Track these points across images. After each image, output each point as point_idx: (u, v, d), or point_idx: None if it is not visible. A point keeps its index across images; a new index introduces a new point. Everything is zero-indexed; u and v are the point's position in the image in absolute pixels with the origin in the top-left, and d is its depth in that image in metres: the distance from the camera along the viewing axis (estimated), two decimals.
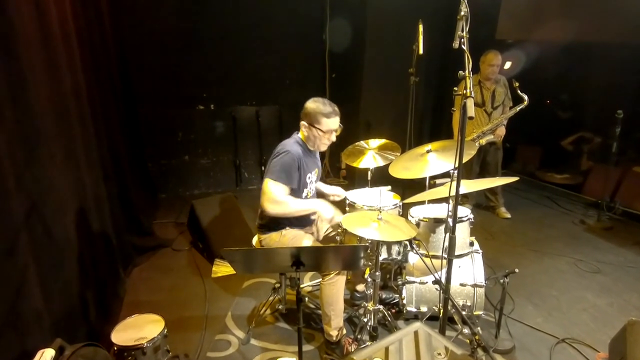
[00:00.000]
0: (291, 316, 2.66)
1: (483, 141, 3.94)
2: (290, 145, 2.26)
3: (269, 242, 2.38)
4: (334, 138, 2.31)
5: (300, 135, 2.34)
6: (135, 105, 4.42)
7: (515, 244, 3.77)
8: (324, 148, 2.37)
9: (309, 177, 2.35)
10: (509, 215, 4.37)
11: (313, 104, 2.23)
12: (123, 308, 2.76)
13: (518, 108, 3.66)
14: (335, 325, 2.29)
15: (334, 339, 2.30)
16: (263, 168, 5.22)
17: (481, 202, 4.57)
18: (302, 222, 2.39)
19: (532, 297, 2.92)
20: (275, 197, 2.15)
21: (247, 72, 4.96)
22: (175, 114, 4.87)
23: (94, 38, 3.01)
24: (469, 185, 2.30)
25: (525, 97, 3.47)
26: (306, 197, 2.38)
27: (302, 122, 2.27)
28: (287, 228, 2.37)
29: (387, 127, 4.40)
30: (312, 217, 2.37)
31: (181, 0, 4.53)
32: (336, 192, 2.59)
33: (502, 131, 3.96)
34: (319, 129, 2.23)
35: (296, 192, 2.30)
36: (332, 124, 2.24)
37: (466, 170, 4.04)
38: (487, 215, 4.43)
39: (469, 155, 2.29)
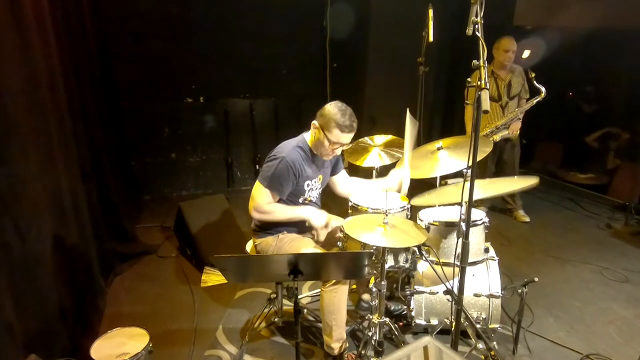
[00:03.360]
0: (288, 330, 2.66)
1: (497, 137, 3.94)
2: (289, 149, 2.25)
3: (265, 246, 2.38)
4: (339, 152, 2.33)
5: (308, 135, 2.33)
6: (118, 98, 4.41)
7: (535, 251, 3.77)
8: (327, 158, 2.36)
9: (308, 185, 2.35)
10: (527, 219, 4.37)
11: (333, 109, 2.20)
12: (103, 321, 2.75)
13: (535, 101, 3.66)
14: (337, 336, 2.28)
15: (335, 352, 2.30)
16: (257, 167, 5.23)
17: (497, 205, 4.57)
18: (300, 225, 2.40)
19: (553, 309, 2.91)
20: (262, 204, 2.22)
21: (240, 61, 4.96)
22: (161, 108, 4.87)
23: (72, 24, 3.01)
24: (484, 187, 2.30)
25: (543, 89, 3.47)
26: (303, 201, 2.38)
27: (314, 122, 2.26)
28: (285, 232, 2.37)
29: (394, 122, 4.36)
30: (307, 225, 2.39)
31: None
32: (398, 179, 2.52)
33: (517, 126, 3.96)
34: (327, 137, 2.21)
35: (292, 197, 2.30)
36: (343, 138, 2.22)
37: (480, 170, 4.04)
38: (503, 218, 4.43)
39: (483, 152, 2.29)
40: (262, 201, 2.22)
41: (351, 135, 2.24)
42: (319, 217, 2.30)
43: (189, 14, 4.64)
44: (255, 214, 2.25)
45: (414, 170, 2.36)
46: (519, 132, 3.99)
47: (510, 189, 2.60)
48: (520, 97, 4.01)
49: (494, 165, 4.18)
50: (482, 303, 2.47)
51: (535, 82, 3.45)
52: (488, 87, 1.61)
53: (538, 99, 3.60)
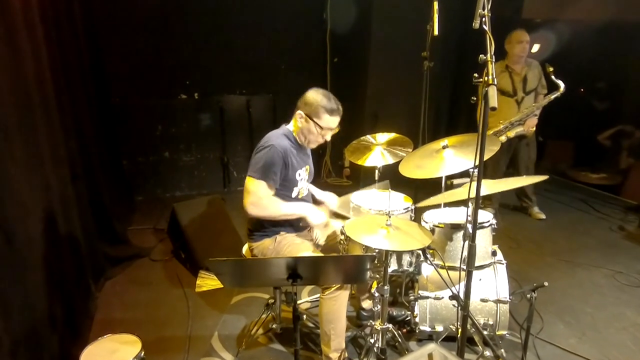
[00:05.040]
0: (287, 336, 2.66)
1: (511, 133, 3.95)
2: (276, 137, 2.27)
3: (262, 250, 2.38)
4: (328, 138, 2.34)
5: (291, 126, 2.35)
6: (108, 95, 4.42)
7: (545, 254, 3.77)
8: (314, 146, 2.39)
9: (299, 175, 2.36)
10: (543, 216, 4.40)
11: (316, 95, 2.25)
12: (94, 327, 2.75)
13: (552, 96, 3.67)
14: (335, 346, 2.28)
15: None
16: None
17: (509, 203, 4.57)
18: (298, 225, 2.40)
19: (563, 315, 2.91)
20: (259, 198, 2.19)
21: (237, 56, 4.96)
22: (154, 105, 4.88)
23: (60, 17, 3.01)
24: (490, 186, 2.30)
25: (561, 84, 3.48)
26: (297, 197, 2.39)
27: (299, 112, 2.28)
28: (282, 233, 2.37)
29: (397, 120, 4.40)
30: (302, 225, 2.38)
31: None
32: (327, 200, 2.56)
33: (533, 122, 3.97)
34: (317, 124, 2.24)
35: (285, 190, 2.30)
36: (332, 122, 2.26)
37: (493, 169, 4.06)
38: (514, 218, 4.43)
39: (491, 151, 2.29)
40: (259, 194, 2.18)
41: (339, 118, 2.28)
42: (317, 215, 2.31)
43: (183, 7, 4.65)
44: (252, 209, 2.21)
45: (418, 170, 2.35)
46: (534, 129, 4.00)
47: (515, 186, 2.60)
48: (537, 92, 4.02)
49: (505, 165, 4.20)
50: (489, 309, 2.47)
51: (553, 77, 3.47)
52: (496, 82, 1.61)
53: (556, 95, 3.61)
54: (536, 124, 3.99)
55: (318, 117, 2.23)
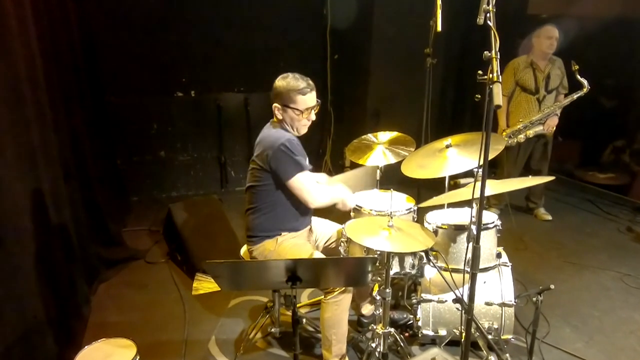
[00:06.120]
0: (286, 341, 2.66)
1: (530, 133, 3.95)
2: (278, 134, 2.28)
3: (263, 252, 2.38)
4: (313, 117, 2.35)
5: (276, 123, 2.35)
6: (103, 93, 4.41)
7: (551, 256, 3.77)
8: (304, 131, 2.39)
9: (307, 161, 2.37)
10: (549, 217, 4.41)
11: (283, 82, 2.28)
12: (87, 331, 2.75)
13: (576, 96, 3.70)
14: (337, 352, 2.29)
15: None
16: None
17: (515, 204, 4.56)
18: (298, 224, 2.40)
19: (570, 319, 2.91)
20: (312, 188, 2.27)
21: (234, 52, 4.96)
22: (150, 103, 4.87)
23: (53, 12, 3.01)
24: (496, 186, 2.30)
25: (585, 83, 3.49)
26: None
27: (275, 105, 2.30)
28: (284, 233, 2.36)
29: (400, 118, 4.39)
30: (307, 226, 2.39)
31: None
32: (320, 180, 2.60)
33: (554, 122, 3.98)
34: (295, 109, 2.26)
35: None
36: (309, 100, 2.27)
37: (509, 168, 4.07)
38: (518, 220, 4.41)
39: (496, 150, 2.29)
40: (310, 185, 2.26)
41: (314, 93, 2.30)
42: (351, 199, 2.40)
43: (180, 2, 4.64)
44: (317, 202, 2.28)
45: (420, 169, 2.35)
46: (555, 129, 4.01)
47: (521, 186, 2.61)
48: (558, 92, 4.03)
49: (523, 165, 4.21)
50: (494, 312, 2.47)
51: (578, 76, 3.47)
52: (500, 80, 1.61)
53: (580, 94, 3.63)
54: (557, 123, 3.99)
55: (293, 102, 2.25)
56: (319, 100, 2.34)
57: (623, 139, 5.03)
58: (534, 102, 3.99)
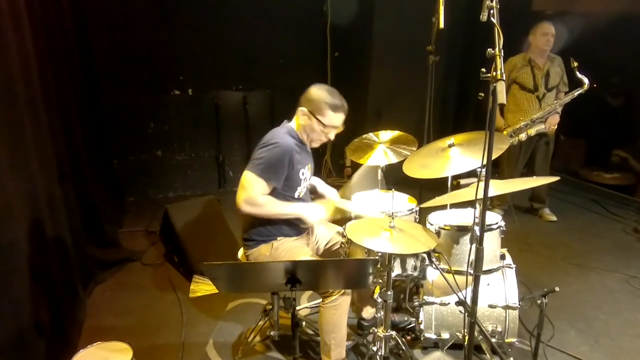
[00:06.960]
0: (285, 344, 2.65)
1: (532, 131, 3.96)
2: (281, 135, 2.27)
3: (258, 257, 2.38)
4: (332, 136, 2.34)
5: (293, 123, 2.35)
6: (98, 91, 4.41)
7: (556, 257, 3.77)
8: (316, 145, 2.39)
9: (303, 174, 2.35)
10: (554, 218, 4.41)
11: (320, 91, 2.25)
12: (82, 334, 2.75)
13: (576, 93, 3.70)
14: (336, 356, 2.28)
15: None
16: None
17: (519, 204, 4.57)
18: (294, 229, 2.39)
19: (575, 321, 2.91)
20: (256, 195, 2.19)
21: (233, 49, 4.96)
22: (146, 101, 4.88)
23: (48, 10, 3.01)
24: (499, 187, 2.29)
25: (585, 80, 3.50)
26: (298, 197, 2.39)
27: (301, 109, 2.28)
28: (280, 238, 2.36)
29: (401, 117, 4.39)
30: (302, 226, 2.38)
31: None
32: (329, 194, 2.58)
33: (555, 120, 3.99)
34: (321, 122, 2.24)
35: (288, 191, 2.30)
36: (336, 120, 2.26)
37: (509, 168, 4.07)
38: (523, 221, 4.42)
39: (499, 150, 2.29)
40: (256, 192, 2.18)
41: (343, 116, 2.28)
42: (314, 213, 2.30)
43: None
44: (246, 207, 2.21)
45: (422, 169, 2.35)
46: (556, 127, 4.01)
47: (525, 187, 2.61)
48: (558, 89, 4.04)
49: (524, 165, 4.21)
50: (497, 315, 2.46)
51: (578, 73, 3.48)
52: (504, 78, 1.61)
53: (580, 92, 3.63)
54: (558, 122, 4.00)
55: (321, 114, 2.23)
56: (344, 126, 2.32)
57: (629, 138, 5.02)
58: (533, 100, 3.99)
